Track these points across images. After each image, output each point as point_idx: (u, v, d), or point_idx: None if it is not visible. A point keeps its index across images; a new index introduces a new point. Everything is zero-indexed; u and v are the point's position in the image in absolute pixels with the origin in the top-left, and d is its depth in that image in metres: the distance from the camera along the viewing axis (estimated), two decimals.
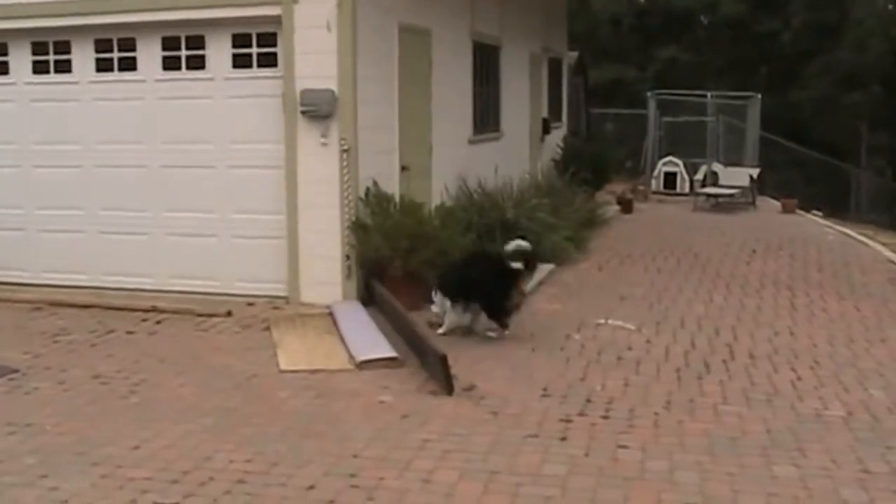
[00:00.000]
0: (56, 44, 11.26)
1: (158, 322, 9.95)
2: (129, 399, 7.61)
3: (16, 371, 8.28)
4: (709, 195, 20.74)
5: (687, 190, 22.57)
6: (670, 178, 23.20)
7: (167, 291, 10.77)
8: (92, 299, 10.70)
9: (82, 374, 8.21)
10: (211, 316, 10.01)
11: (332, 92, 10.09)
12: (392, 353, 8.41)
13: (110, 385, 7.94)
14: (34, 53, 11.38)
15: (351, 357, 8.50)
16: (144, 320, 9.98)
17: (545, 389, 7.71)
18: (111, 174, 11.14)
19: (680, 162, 23.20)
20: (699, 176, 22.13)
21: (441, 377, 7.56)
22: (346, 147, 10.13)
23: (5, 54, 11.49)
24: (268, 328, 9.58)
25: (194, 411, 7.26)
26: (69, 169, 11.29)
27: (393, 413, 7.17)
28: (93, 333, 9.56)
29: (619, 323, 9.85)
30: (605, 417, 7.10)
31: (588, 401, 7.44)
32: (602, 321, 9.92)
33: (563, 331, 9.56)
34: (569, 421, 7.00)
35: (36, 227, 11.48)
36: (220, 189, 10.77)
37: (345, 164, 10.16)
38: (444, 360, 7.50)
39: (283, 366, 8.34)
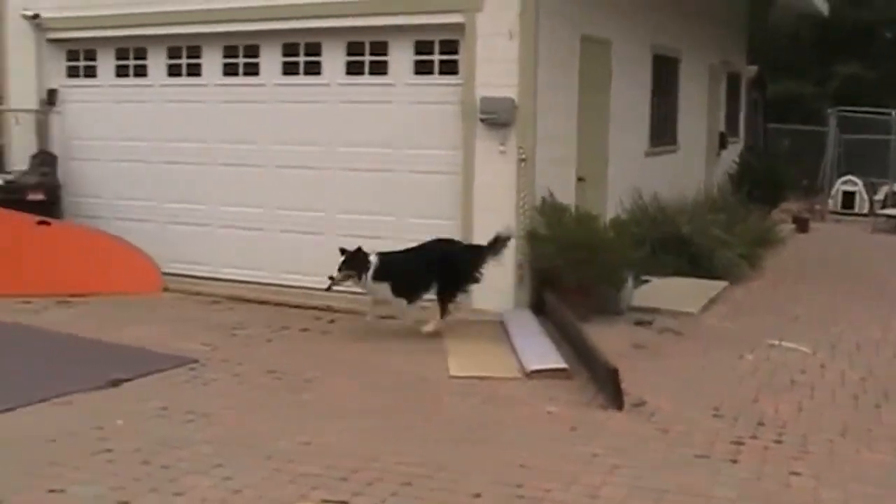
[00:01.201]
0: (246, 47, 11.61)
1: (332, 321, 10.15)
2: (301, 395, 7.78)
3: (195, 361, 8.55)
4: (889, 216, 20.05)
5: (866, 210, 21.88)
6: (848, 198, 22.52)
7: (341, 291, 10.93)
8: (268, 296, 10.99)
9: (257, 368, 8.43)
10: (382, 317, 10.13)
11: (512, 100, 10.12)
12: (562, 364, 8.38)
13: (283, 380, 8.13)
14: (224, 56, 11.76)
15: (520, 366, 8.50)
16: (318, 318, 10.19)
17: (716, 409, 7.56)
18: (291, 174, 11.41)
19: (859, 181, 22.50)
20: (879, 196, 21.43)
21: (611, 391, 7.49)
22: (523, 156, 10.15)
23: (198, 57, 11.90)
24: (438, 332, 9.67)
25: (364, 411, 7.37)
26: (252, 168, 11.61)
27: (561, 424, 7.13)
28: (268, 329, 9.81)
29: (793, 345, 9.58)
30: (777, 442, 6.91)
31: (760, 424, 7.26)
32: (775, 342, 9.67)
33: (735, 350, 9.36)
34: (740, 443, 6.84)
35: (218, 223, 11.84)
36: (397, 193, 10.91)
37: (521, 172, 10.17)
38: (615, 374, 7.43)
39: (452, 371, 8.39)
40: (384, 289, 9.53)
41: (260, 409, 7.38)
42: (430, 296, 9.71)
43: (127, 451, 6.44)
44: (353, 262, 9.45)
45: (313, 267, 11.19)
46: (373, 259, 9.45)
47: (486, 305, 10.33)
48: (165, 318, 10.14)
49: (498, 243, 9.65)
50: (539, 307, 10.27)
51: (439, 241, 9.90)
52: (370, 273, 9.43)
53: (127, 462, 6.26)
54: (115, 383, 7.86)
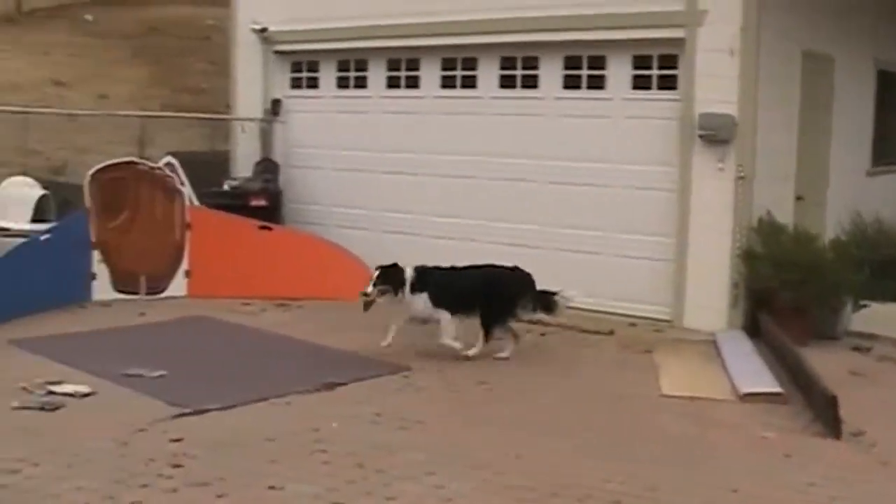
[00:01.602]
0: (464, 60, 11.79)
1: (542, 334, 10.17)
2: (511, 407, 7.81)
3: (408, 369, 8.72)
4: None
5: None
6: None
7: None
8: None
9: (468, 378, 8.53)
10: (593, 333, 10.12)
11: (732, 117, 9.95)
12: (777, 388, 8.18)
13: (494, 392, 8.20)
14: (442, 69, 11.97)
15: (733, 388, 8.34)
16: (529, 331, 10.20)
17: None
18: (504, 187, 11.49)
19: None
20: None
21: (828, 419, 7.26)
22: (742, 174, 9.96)
23: (417, 69, 12.15)
24: (649, 350, 9.57)
25: (573, 426, 7.36)
26: (466, 179, 11.76)
27: (775, 451, 6.96)
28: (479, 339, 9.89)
29: None
30: None
31: None
32: None
33: None
34: None
35: (431, 234, 12.02)
36: (609, 208, 10.87)
37: (739, 190, 9.99)
38: (833, 401, 7.20)
39: (664, 390, 8.30)
40: (422, 300, 9.19)
41: (471, 420, 7.46)
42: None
43: (342, 453, 6.61)
44: (389, 275, 9.19)
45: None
46: (409, 272, 9.22)
47: (697, 324, 10.19)
48: (379, 326, 10.27)
49: (547, 299, 9.38)
50: (753, 328, 10.05)
51: (488, 265, 9.71)
52: (407, 286, 9.16)
53: (342, 464, 6.42)
54: (331, 387, 8.08)
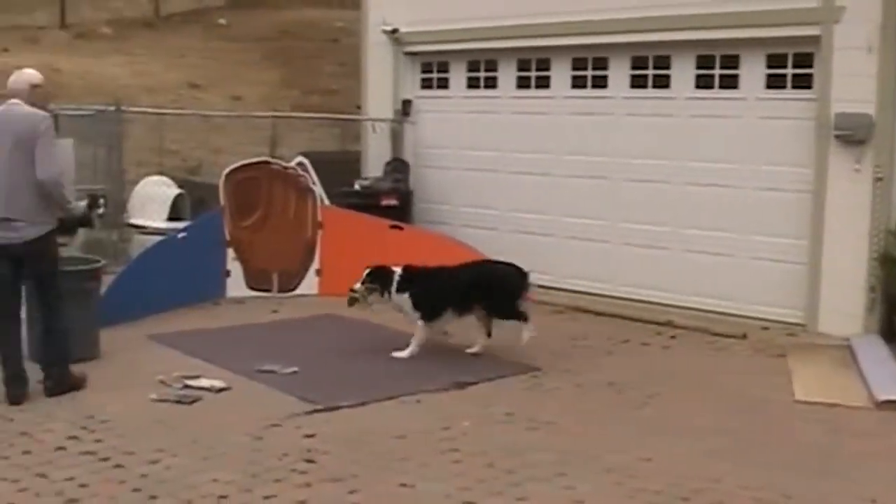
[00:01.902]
0: (594, 60, 11.72)
1: (672, 337, 10.07)
2: (641, 410, 7.76)
3: (538, 370, 8.72)
4: None
5: None
6: None
7: (682, 307, 10.84)
8: (609, 308, 11.04)
9: (598, 380, 8.48)
10: (725, 336, 9.98)
11: (869, 116, 9.71)
12: None
13: (624, 394, 8.14)
14: (573, 69, 11.92)
15: (870, 394, 8.13)
16: (659, 333, 10.14)
17: None
18: (635, 188, 11.40)
19: None
20: None
21: None
22: (879, 175, 9.71)
23: (547, 69, 12.10)
24: (782, 355, 9.40)
25: (705, 430, 7.26)
26: (597, 180, 11.70)
27: None
28: (609, 341, 9.85)
29: None
30: None
31: None
32: None
33: None
34: None
35: (562, 234, 11.99)
36: (742, 209, 10.69)
37: (877, 192, 9.74)
38: None
39: (797, 395, 8.13)
40: (405, 301, 9.21)
41: (601, 422, 7.43)
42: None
43: (473, 452, 6.64)
44: (377, 275, 9.26)
45: (655, 281, 11.18)
46: (397, 271, 9.25)
47: (831, 329, 9.97)
48: (507, 325, 10.33)
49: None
50: (890, 333, 9.77)
51: (484, 262, 9.72)
52: (394, 286, 9.19)
53: (473, 464, 6.46)
54: (461, 386, 8.13)
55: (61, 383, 7.78)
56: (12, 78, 7.84)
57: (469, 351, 9.22)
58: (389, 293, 9.21)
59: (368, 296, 9.28)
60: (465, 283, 9.21)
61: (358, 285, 9.24)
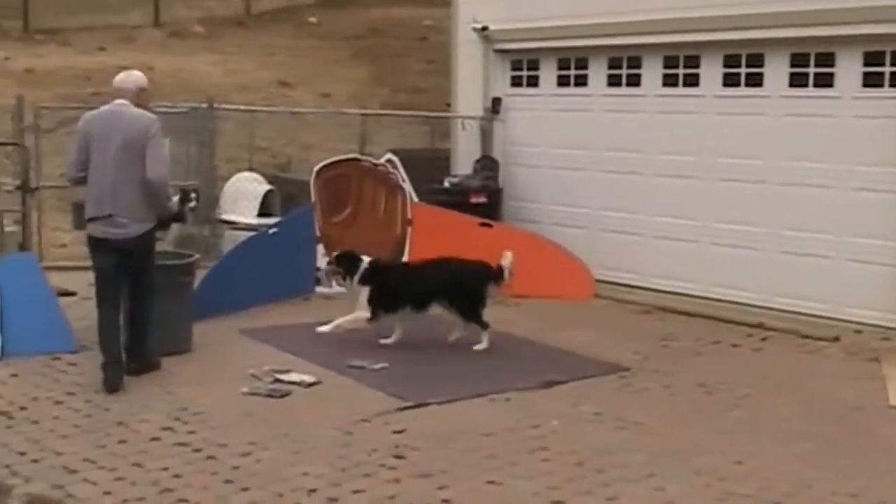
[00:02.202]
0: (686, 58, 11.60)
1: (763, 339, 9.93)
2: (732, 412, 7.68)
3: (626, 370, 8.67)
4: None
5: None
6: None
7: (773, 309, 10.68)
8: (698, 308, 10.92)
9: (687, 381, 8.41)
10: (817, 339, 9.82)
11: None
12: None
13: (714, 396, 8.06)
14: (664, 67, 11.82)
15: None
16: (749, 335, 10.01)
17: None
18: (729, 188, 11.26)
19: None
20: None
21: None
22: None
23: (638, 67, 12.03)
24: (875, 359, 9.22)
25: (795, 434, 7.16)
26: (688, 180, 11.58)
27: None
28: (698, 342, 9.76)
29: None
30: None
31: None
32: None
33: None
34: None
35: (651, 234, 11.90)
36: (835, 210, 10.50)
37: None
38: None
39: (892, 401, 7.98)
40: (363, 294, 9.28)
41: (690, 423, 7.36)
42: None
43: (562, 451, 6.63)
44: (343, 260, 9.39)
45: (745, 282, 11.05)
46: (364, 261, 9.33)
47: None
48: (597, 325, 10.33)
49: None
50: None
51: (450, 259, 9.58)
52: (357, 276, 9.28)
53: (561, 462, 6.45)
54: (549, 385, 8.11)
55: (142, 366, 8.13)
56: (120, 77, 8.11)
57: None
58: (351, 280, 9.32)
59: (332, 277, 9.53)
60: (426, 282, 9.37)
61: (324, 264, 9.49)
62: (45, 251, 11.22)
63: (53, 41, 19.91)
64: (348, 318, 9.23)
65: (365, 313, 9.22)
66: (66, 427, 6.94)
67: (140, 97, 8.04)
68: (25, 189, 10.21)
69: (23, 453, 6.42)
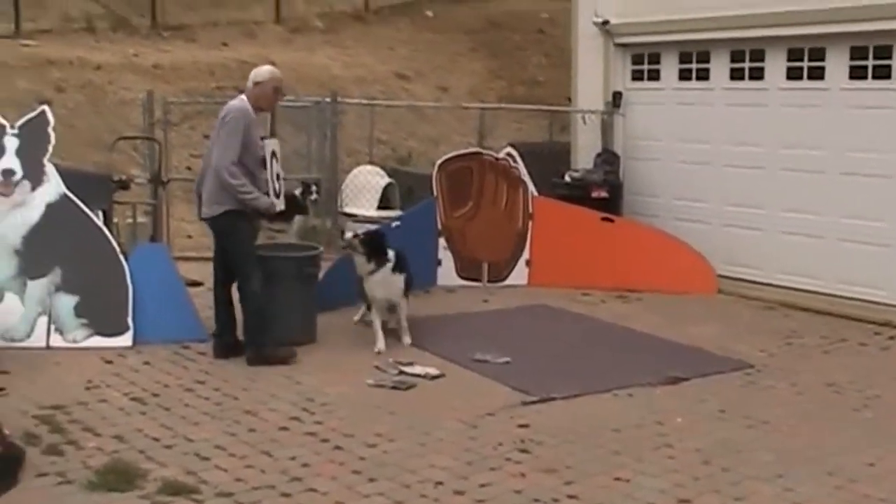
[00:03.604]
0: (810, 51, 11.39)
1: (892, 337, 9.72)
2: (861, 412, 7.54)
3: (751, 367, 8.56)
4: None
5: None
6: None
7: None
8: (824, 305, 10.74)
9: (814, 380, 8.27)
10: None
11: None
12: None
13: (843, 395, 7.92)
14: (789, 60, 11.62)
15: None
16: (877, 333, 9.81)
17: None
18: (856, 182, 10.97)
19: None
20: None
21: None
22: None
23: (761, 60, 11.86)
24: None
25: None
26: (814, 174, 11.35)
27: None
28: (824, 340, 9.59)
29: None
30: None
31: None
32: None
33: None
34: None
35: (776, 229, 11.71)
36: None
37: None
38: None
39: None
40: (401, 282, 9.07)
41: (819, 423, 7.25)
42: None
43: (687, 449, 6.59)
44: (374, 241, 9.07)
45: (872, 279, 10.81)
46: (391, 252, 9.06)
47: None
48: (719, 320, 10.22)
49: None
50: None
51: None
52: (390, 263, 9.00)
53: (687, 460, 6.41)
54: (674, 381, 8.05)
55: (254, 358, 8.34)
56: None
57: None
58: (379, 266, 8.97)
59: (354, 253, 9.06)
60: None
61: (349, 234, 9.28)
62: (172, 242, 11.47)
63: (180, 37, 20.25)
64: (403, 321, 9.17)
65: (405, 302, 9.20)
66: (196, 414, 7.11)
67: (253, 91, 8.43)
68: (157, 182, 10.46)
69: (156, 439, 6.60)
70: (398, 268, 9.05)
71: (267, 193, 8.51)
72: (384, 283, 9.01)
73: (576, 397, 7.60)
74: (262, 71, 8.57)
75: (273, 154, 8.75)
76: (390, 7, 24.47)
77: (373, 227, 10.07)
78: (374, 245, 9.02)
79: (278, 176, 8.81)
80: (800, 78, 11.53)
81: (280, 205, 8.76)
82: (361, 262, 8.98)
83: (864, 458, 6.53)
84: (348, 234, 9.21)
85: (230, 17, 21.99)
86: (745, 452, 6.56)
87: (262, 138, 8.72)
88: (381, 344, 8.82)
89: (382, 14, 24.06)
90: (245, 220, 8.41)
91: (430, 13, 24.27)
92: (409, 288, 9.19)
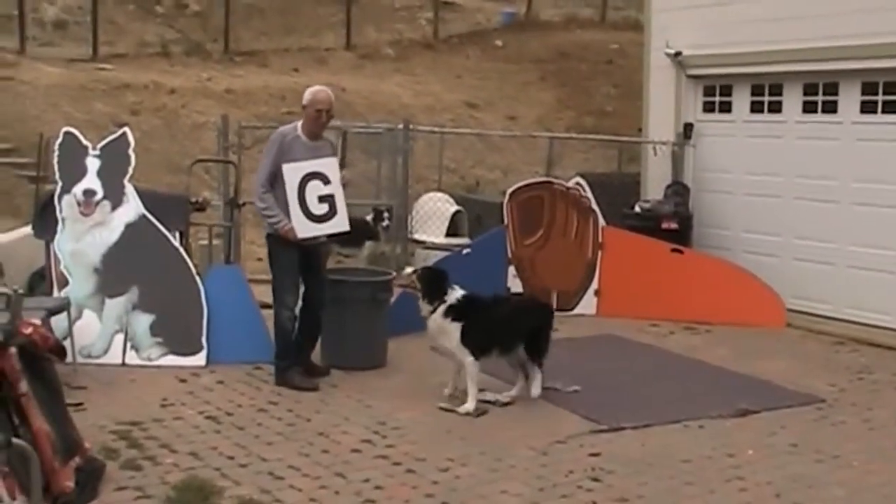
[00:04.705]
0: (886, 84, 11.32)
1: None
2: None
3: (822, 401, 8.50)
4: None
5: None
6: None
7: None
8: (893, 341, 10.62)
9: (886, 416, 8.20)
10: None
11: None
12: None
13: None
14: (863, 93, 11.56)
15: None
16: None
17: None
18: None
19: None
20: None
21: None
22: None
23: (835, 94, 11.81)
24: None
25: None
26: (883, 209, 11.23)
27: None
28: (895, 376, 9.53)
29: None
30: None
31: None
32: None
33: None
34: None
35: (845, 263, 11.61)
36: None
37: None
38: None
39: None
40: (454, 330, 7.98)
41: (892, 460, 7.17)
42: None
43: (759, 482, 6.58)
44: (431, 278, 8.20)
45: None
46: (455, 293, 8.11)
47: None
48: (789, 354, 10.16)
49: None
50: None
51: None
52: (444, 306, 8.04)
53: (759, 493, 6.41)
54: (744, 413, 8.02)
55: (280, 379, 8.49)
56: None
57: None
58: (435, 308, 8.08)
59: (412, 290, 8.30)
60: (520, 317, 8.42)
61: (409, 270, 8.80)
62: (244, 264, 11.63)
63: (252, 63, 20.62)
64: (471, 380, 7.94)
65: (471, 359, 7.98)
66: (270, 434, 7.21)
67: (303, 114, 8.57)
68: (233, 204, 10.61)
69: (231, 457, 6.71)
70: (455, 313, 8.06)
71: (310, 217, 8.38)
72: (435, 328, 8.19)
73: (646, 427, 7.60)
74: (306, 94, 8.55)
75: (316, 174, 8.43)
76: (459, 36, 24.68)
77: (440, 256, 10.02)
78: (432, 282, 8.20)
79: (323, 197, 8.46)
80: (874, 112, 11.47)
81: (307, 232, 8.41)
82: (422, 303, 8.23)
83: None
84: (408, 270, 8.71)
85: (302, 43, 22.34)
86: (816, 487, 6.53)
87: (313, 159, 8.44)
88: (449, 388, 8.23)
89: (452, 43, 24.29)
90: (281, 244, 8.45)
91: (499, 42, 24.45)
92: (473, 341, 8.01)
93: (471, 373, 7.93)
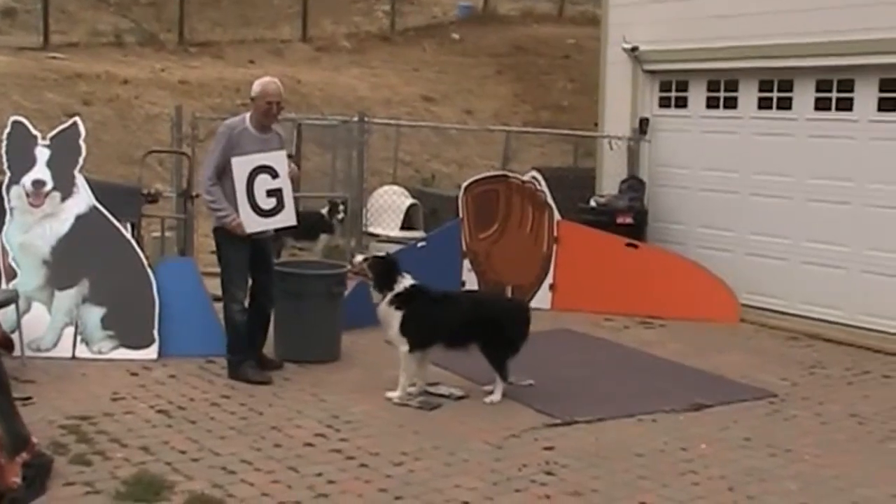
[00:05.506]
0: (839, 82, 11.39)
1: None
2: (886, 444, 7.51)
3: (775, 396, 8.55)
4: None
5: None
6: None
7: None
8: (847, 336, 10.71)
9: (839, 410, 8.25)
10: None
11: None
12: None
13: (867, 426, 7.89)
14: (817, 90, 11.63)
15: None
16: None
17: None
18: (881, 215, 10.96)
19: None
20: None
21: None
22: None
23: (789, 90, 11.87)
24: None
25: None
26: (836, 206, 11.34)
27: None
28: (848, 371, 9.56)
29: None
30: None
31: None
32: None
33: None
34: None
35: (799, 259, 11.70)
36: None
37: None
38: None
39: None
40: (394, 319, 7.98)
41: (844, 453, 7.22)
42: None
43: (712, 476, 6.60)
44: (379, 266, 8.17)
45: (893, 311, 10.79)
46: (405, 282, 8.10)
47: None
48: (742, 349, 10.22)
49: None
50: None
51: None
52: (390, 294, 8.03)
53: (712, 487, 6.42)
54: (697, 407, 8.06)
55: (232, 372, 8.43)
56: None
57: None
58: (382, 296, 8.09)
59: (363, 277, 8.34)
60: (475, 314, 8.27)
61: (359, 258, 8.47)
62: (197, 257, 11.51)
63: (207, 54, 20.43)
64: (403, 371, 7.98)
65: (405, 349, 7.99)
66: (222, 428, 7.15)
67: (252, 106, 8.43)
68: (187, 196, 10.52)
69: (183, 452, 6.64)
70: (398, 301, 8.05)
71: (258, 211, 8.33)
72: (382, 316, 8.16)
73: (600, 421, 7.61)
74: (255, 85, 8.40)
75: (264, 168, 8.34)
76: (417, 29, 24.60)
77: (394, 249, 10.01)
78: (383, 271, 8.18)
79: (271, 191, 8.39)
80: (828, 109, 11.54)
81: (255, 227, 8.35)
82: (373, 290, 8.23)
83: (890, 489, 6.51)
84: (359, 258, 8.51)
85: (258, 35, 22.17)
86: (770, 481, 6.56)
87: (262, 151, 8.35)
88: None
89: (409, 36, 24.20)
90: (229, 238, 8.36)
91: (456, 36, 24.40)
92: (413, 331, 7.98)
93: (403, 362, 7.95)
